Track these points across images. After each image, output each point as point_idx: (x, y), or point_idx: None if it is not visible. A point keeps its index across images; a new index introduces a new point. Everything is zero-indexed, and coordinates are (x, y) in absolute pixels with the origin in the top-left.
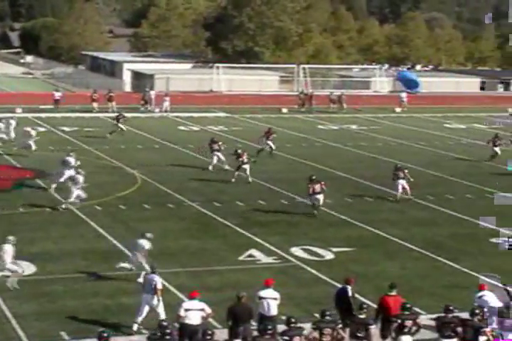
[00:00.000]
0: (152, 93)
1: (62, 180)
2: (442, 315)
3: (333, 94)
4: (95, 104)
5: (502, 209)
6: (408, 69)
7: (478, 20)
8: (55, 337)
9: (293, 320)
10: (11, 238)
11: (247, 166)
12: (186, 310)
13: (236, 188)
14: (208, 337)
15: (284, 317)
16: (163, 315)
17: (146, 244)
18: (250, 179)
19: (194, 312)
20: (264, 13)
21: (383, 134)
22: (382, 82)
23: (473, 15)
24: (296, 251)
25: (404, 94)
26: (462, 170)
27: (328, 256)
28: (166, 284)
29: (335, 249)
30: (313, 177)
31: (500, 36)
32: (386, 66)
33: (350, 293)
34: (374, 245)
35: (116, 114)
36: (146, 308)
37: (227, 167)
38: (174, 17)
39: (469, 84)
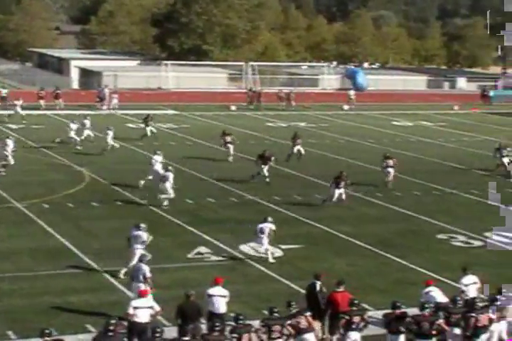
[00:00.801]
0: (106, 91)
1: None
2: (389, 311)
3: (282, 91)
4: (42, 102)
5: (449, 205)
6: (356, 66)
7: (424, 19)
8: (2, 337)
9: (241, 318)
10: None
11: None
12: (135, 308)
13: (185, 186)
14: (157, 335)
15: (232, 315)
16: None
17: (143, 234)
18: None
19: (143, 310)
20: (213, 11)
21: (332, 132)
22: (330, 79)
23: (420, 14)
24: (245, 248)
25: (352, 92)
26: (410, 167)
27: (277, 253)
28: (115, 282)
29: (283, 246)
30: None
31: (446, 35)
32: (334, 64)
33: (317, 288)
34: (323, 242)
35: (144, 117)
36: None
37: (230, 159)
38: (122, 14)
39: (416, 82)
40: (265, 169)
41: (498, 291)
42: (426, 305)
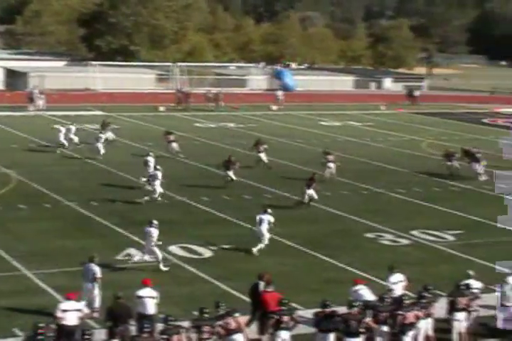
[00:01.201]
0: (36, 91)
1: None
2: (319, 310)
3: (210, 92)
4: None
5: (377, 205)
6: (283, 67)
7: (350, 20)
8: None
9: (171, 319)
10: None
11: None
12: (63, 310)
13: (114, 187)
14: (87, 338)
15: (162, 316)
16: (98, 303)
17: (154, 231)
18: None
19: (71, 312)
20: (140, 12)
21: (261, 132)
22: (258, 80)
23: (346, 15)
24: (175, 249)
25: (280, 92)
26: (338, 167)
27: (207, 253)
28: (44, 285)
29: (213, 247)
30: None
31: (372, 36)
32: (262, 64)
33: (261, 289)
34: (252, 242)
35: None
36: (87, 296)
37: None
38: (48, 14)
39: (343, 82)
40: (231, 173)
41: (425, 289)
42: (354, 304)
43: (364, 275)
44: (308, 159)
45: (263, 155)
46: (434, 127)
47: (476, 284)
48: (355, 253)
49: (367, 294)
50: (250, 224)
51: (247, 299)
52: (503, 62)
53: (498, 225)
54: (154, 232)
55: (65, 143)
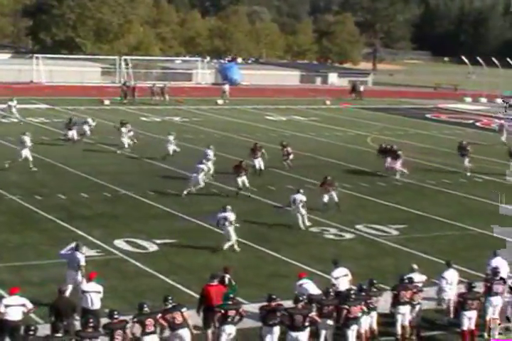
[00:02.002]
0: None
1: None
2: (265, 304)
3: (156, 85)
4: None
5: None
6: (229, 61)
7: (296, 15)
8: None
9: (116, 313)
10: None
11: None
12: (6, 306)
13: (58, 181)
14: (31, 333)
15: (107, 311)
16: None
17: (230, 215)
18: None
19: (15, 308)
20: (86, 5)
21: (207, 126)
22: (204, 74)
23: (292, 10)
24: (120, 243)
25: (226, 87)
26: (285, 160)
27: (152, 248)
28: None
29: (158, 241)
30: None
31: (317, 30)
32: (208, 58)
33: (226, 282)
34: (197, 237)
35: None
36: (71, 283)
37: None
38: None
39: (289, 77)
40: (240, 180)
41: (370, 283)
42: (299, 298)
43: (309, 269)
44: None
45: (258, 161)
46: (378, 122)
47: (419, 278)
48: (299, 247)
49: (311, 288)
50: (195, 219)
51: (193, 293)
52: (447, 59)
53: (441, 219)
54: (231, 216)
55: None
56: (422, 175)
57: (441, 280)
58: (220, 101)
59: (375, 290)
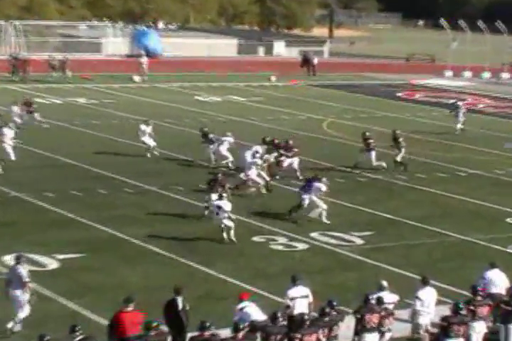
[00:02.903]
0: None
1: None
2: (196, 334)
3: (55, 58)
4: None
5: (265, 201)
6: (148, 27)
7: None
8: None
9: None
10: None
11: None
12: None
13: None
14: None
15: None
16: (25, 313)
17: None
18: None
19: None
20: None
21: (121, 110)
22: (116, 43)
23: None
24: (10, 260)
25: (144, 60)
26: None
27: (52, 264)
28: None
29: (60, 256)
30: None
31: None
32: (120, 24)
33: (180, 306)
34: (109, 249)
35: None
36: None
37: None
38: None
39: (224, 47)
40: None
41: (329, 304)
42: (239, 325)
43: (250, 288)
44: (180, 144)
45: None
46: (336, 103)
47: (389, 297)
48: (238, 260)
49: (255, 312)
50: (106, 227)
51: (102, 321)
52: (421, 22)
53: (414, 223)
54: (322, 187)
55: None
56: (390, 170)
57: (416, 302)
58: (136, 78)
59: (334, 313)
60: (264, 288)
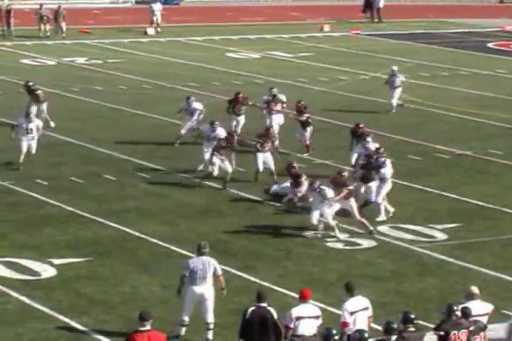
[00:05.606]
0: None
1: None
2: None
3: (45, 7)
4: None
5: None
6: None
7: None
8: None
9: None
10: None
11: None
12: None
13: None
14: None
15: None
16: None
17: None
18: None
19: None
20: None
21: (130, 72)
22: None
23: None
24: None
25: (157, 6)
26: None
27: (47, 272)
28: None
29: (57, 261)
30: None
31: None
32: None
33: (274, 315)
34: (120, 251)
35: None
36: None
37: None
38: None
39: None
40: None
41: (404, 319)
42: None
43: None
44: (207, 115)
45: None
46: (410, 58)
47: (481, 308)
48: (286, 264)
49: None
50: (116, 222)
51: None
52: None
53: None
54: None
55: None
56: (479, 143)
57: None
58: (150, 31)
59: (412, 329)
60: (319, 298)
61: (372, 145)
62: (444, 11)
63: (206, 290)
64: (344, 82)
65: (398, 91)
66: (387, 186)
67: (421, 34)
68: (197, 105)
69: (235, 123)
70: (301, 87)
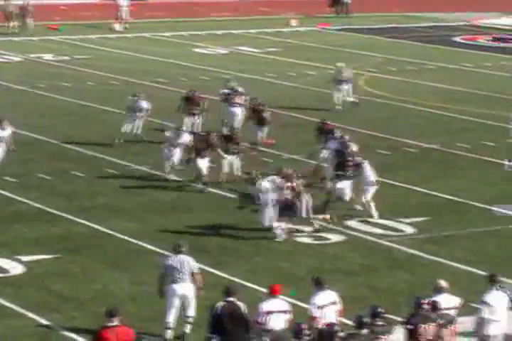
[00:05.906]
0: None
1: None
2: None
3: (11, 3)
4: None
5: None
6: None
7: None
8: None
9: None
10: None
11: None
12: None
13: None
14: None
15: None
16: None
17: None
18: None
19: None
20: None
21: (98, 68)
22: None
23: None
24: None
25: (125, 2)
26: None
27: (16, 269)
28: None
29: (26, 258)
30: None
31: None
32: None
33: (243, 309)
34: (90, 248)
35: None
36: None
37: None
38: None
39: None
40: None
41: (373, 313)
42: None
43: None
44: (175, 111)
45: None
46: (377, 52)
47: (449, 301)
48: (256, 259)
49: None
50: (86, 219)
51: (82, 340)
52: None
53: (482, 205)
54: None
55: None
56: (448, 137)
57: (483, 307)
58: (116, 26)
59: (380, 323)
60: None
61: (354, 147)
62: (409, 4)
63: (187, 288)
64: (312, 77)
65: (346, 88)
66: (373, 188)
67: (389, 28)
68: (144, 104)
69: (190, 123)
70: (269, 82)
